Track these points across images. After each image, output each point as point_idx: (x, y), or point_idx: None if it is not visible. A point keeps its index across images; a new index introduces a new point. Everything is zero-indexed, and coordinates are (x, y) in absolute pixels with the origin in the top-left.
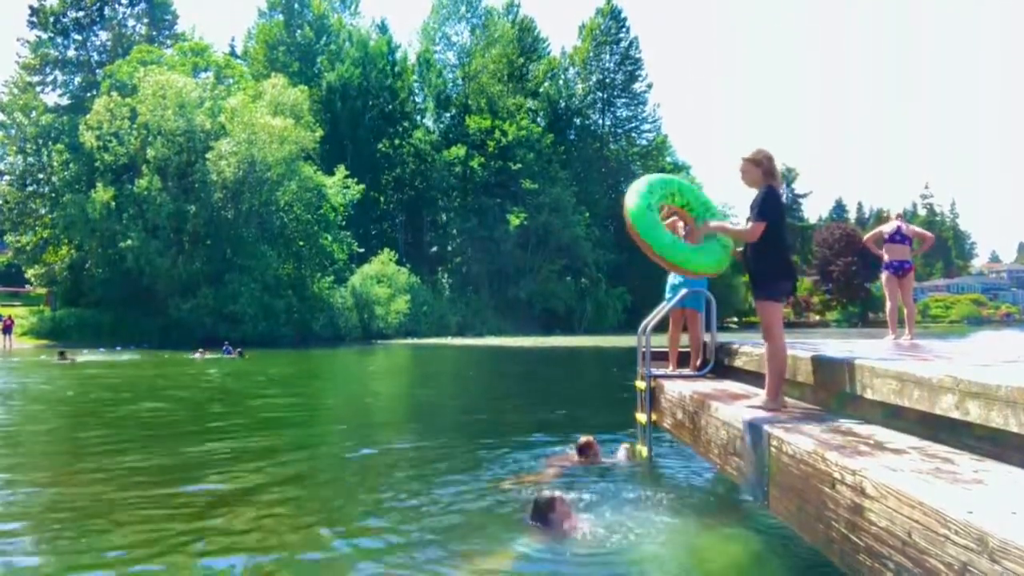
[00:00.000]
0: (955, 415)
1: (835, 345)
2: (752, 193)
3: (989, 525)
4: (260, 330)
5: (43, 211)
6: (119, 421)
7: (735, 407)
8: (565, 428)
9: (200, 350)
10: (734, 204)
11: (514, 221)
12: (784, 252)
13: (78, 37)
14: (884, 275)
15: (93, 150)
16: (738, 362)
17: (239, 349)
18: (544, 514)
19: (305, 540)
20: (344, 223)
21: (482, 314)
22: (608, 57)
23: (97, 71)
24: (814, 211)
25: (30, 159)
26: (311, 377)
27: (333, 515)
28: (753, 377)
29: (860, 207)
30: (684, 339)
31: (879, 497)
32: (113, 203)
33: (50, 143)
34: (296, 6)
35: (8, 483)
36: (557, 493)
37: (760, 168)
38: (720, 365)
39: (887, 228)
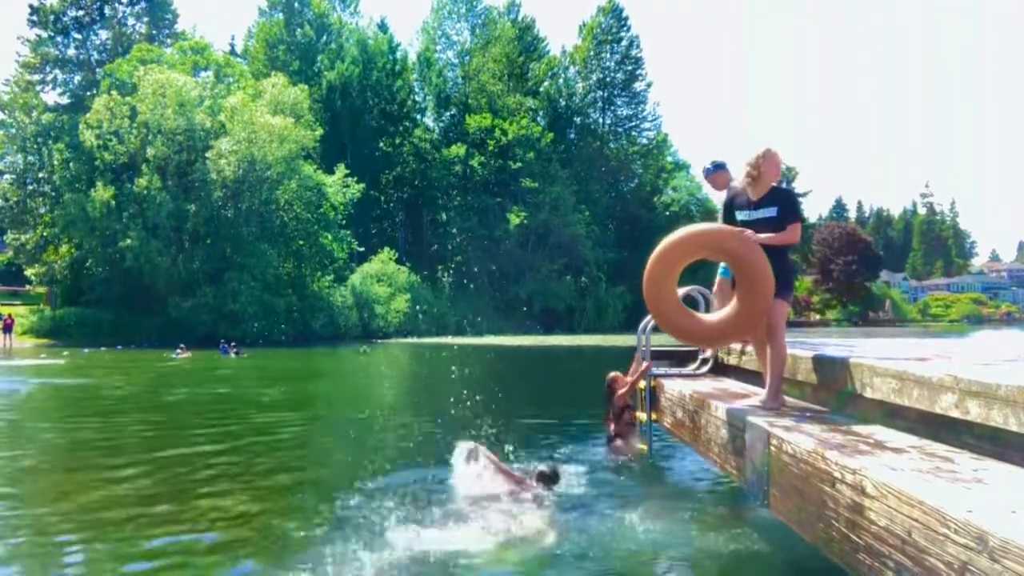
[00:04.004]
0: (955, 414)
1: (835, 344)
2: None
3: (989, 524)
4: (260, 329)
5: (43, 210)
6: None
7: (735, 406)
8: (564, 423)
9: (180, 347)
10: None
11: (514, 220)
12: (791, 253)
13: (78, 36)
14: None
15: (93, 149)
16: (738, 361)
17: (234, 345)
18: (549, 479)
19: (304, 525)
20: (344, 222)
21: (482, 313)
22: (608, 56)
23: (97, 70)
24: (814, 210)
25: (30, 158)
26: (312, 376)
27: (338, 498)
28: (753, 376)
29: (860, 206)
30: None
31: (879, 496)
32: (113, 202)
33: (50, 142)
34: (296, 5)
35: None
36: (556, 464)
37: (773, 166)
38: (720, 364)
39: None
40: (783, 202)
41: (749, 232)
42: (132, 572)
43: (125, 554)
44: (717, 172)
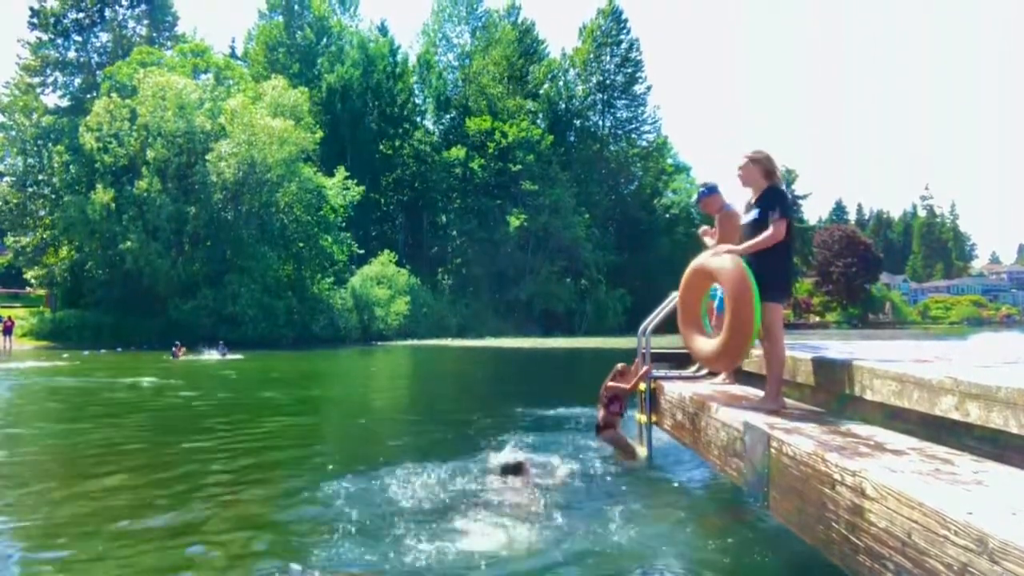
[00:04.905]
0: (955, 416)
1: (835, 346)
2: (745, 193)
3: (989, 526)
4: (260, 331)
5: (43, 212)
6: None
7: (735, 408)
8: (564, 421)
9: (176, 344)
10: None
11: (514, 222)
12: (791, 254)
13: (78, 38)
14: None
15: (93, 151)
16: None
17: (222, 346)
18: (513, 471)
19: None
20: (344, 224)
21: (482, 315)
22: (608, 58)
23: (97, 72)
24: (814, 212)
25: (30, 160)
26: (312, 378)
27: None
28: (753, 378)
29: (860, 208)
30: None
31: (879, 498)
32: (113, 204)
33: (50, 144)
34: (296, 7)
35: None
36: (522, 457)
37: (759, 167)
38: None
39: None
40: (765, 201)
41: (722, 246)
42: (129, 573)
43: (121, 556)
44: (710, 196)
